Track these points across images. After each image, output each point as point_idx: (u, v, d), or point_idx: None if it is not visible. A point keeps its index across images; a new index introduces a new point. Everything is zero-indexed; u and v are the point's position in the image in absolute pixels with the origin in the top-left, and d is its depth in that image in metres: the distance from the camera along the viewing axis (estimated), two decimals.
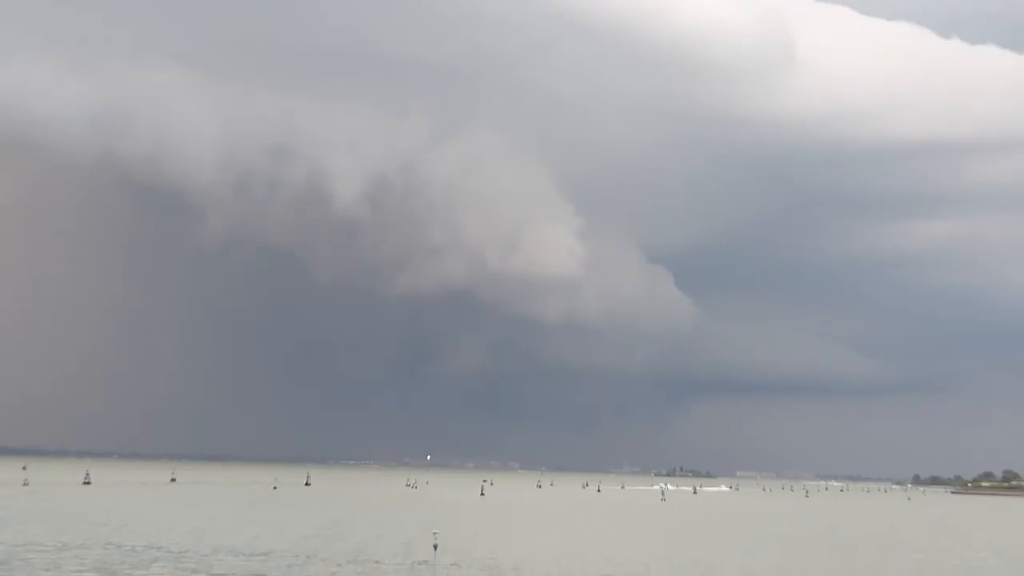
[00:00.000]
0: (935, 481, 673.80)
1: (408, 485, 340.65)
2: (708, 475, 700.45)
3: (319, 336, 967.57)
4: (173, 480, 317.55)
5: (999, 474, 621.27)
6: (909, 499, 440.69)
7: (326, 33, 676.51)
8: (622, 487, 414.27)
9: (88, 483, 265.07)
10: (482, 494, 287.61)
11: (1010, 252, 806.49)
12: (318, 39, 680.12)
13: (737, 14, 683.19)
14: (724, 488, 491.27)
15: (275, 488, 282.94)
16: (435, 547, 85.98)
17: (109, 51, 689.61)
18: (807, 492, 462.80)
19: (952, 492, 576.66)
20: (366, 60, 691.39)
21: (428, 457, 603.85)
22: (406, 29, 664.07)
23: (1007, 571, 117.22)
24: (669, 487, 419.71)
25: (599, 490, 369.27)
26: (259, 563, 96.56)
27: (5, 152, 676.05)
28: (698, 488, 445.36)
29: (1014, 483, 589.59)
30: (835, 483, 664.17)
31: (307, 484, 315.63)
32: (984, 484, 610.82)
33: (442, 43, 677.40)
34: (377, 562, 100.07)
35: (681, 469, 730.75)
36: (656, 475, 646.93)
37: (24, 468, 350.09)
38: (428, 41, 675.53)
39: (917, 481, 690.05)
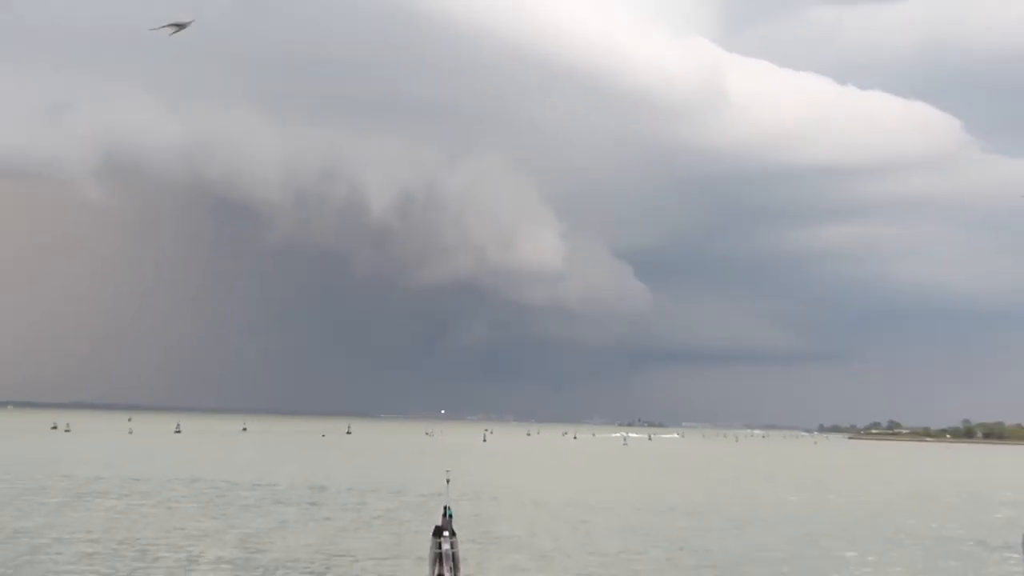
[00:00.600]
0: (835, 429, 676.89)
1: (427, 434, 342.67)
2: (660, 425, 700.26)
3: (358, 317, 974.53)
4: (244, 430, 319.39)
5: (885, 423, 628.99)
6: (815, 443, 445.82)
7: (363, 81, 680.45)
8: (593, 435, 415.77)
9: (179, 432, 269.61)
10: (484, 440, 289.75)
11: (891, 251, 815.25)
12: (357, 86, 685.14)
13: (682, 66, 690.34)
14: (674, 436, 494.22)
15: (323, 436, 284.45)
16: (448, 481, 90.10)
17: (197, 97, 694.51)
18: (736, 438, 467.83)
19: (848, 438, 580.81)
20: (393, 102, 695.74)
21: (442, 412, 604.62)
22: (424, 76, 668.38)
23: (882, 488, 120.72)
24: (630, 435, 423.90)
25: (575, 437, 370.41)
26: (310, 493, 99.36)
27: (119, 174, 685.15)
28: (652, 435, 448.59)
29: (895, 431, 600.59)
30: (758, 431, 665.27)
31: (348, 433, 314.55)
32: (873, 431, 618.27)
33: (452, 87, 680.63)
34: (399, 492, 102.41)
35: (639, 420, 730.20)
36: (619, 425, 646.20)
37: (129, 420, 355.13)
38: (441, 85, 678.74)
39: (821, 429, 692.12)
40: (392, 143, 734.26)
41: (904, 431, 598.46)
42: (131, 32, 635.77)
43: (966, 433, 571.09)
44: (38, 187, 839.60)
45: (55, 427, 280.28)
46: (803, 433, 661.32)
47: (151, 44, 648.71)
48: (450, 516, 47.13)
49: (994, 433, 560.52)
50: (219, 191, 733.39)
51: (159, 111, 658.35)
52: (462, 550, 47.12)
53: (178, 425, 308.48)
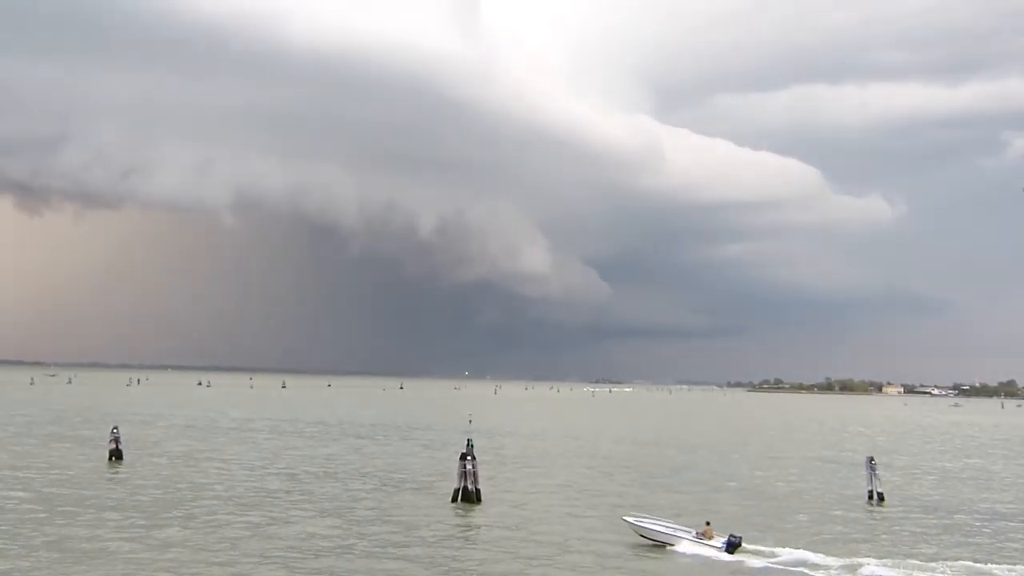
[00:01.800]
0: (738, 385, 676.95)
1: (455, 388, 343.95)
2: (618, 382, 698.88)
3: (410, 306, 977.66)
4: (329, 386, 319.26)
5: (772, 380, 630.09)
6: (724, 394, 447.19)
7: (413, 144, 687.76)
8: (571, 389, 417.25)
9: (284, 387, 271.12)
10: (495, 393, 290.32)
11: (772, 261, 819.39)
12: (409, 147, 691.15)
13: (630, 133, 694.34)
14: (627, 389, 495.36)
15: (383, 390, 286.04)
16: (470, 421, 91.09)
17: (298, 154, 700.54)
18: (670, 391, 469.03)
19: (748, 391, 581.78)
20: (434, 158, 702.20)
21: (466, 373, 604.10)
22: (455, 141, 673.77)
23: (772, 423, 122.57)
24: (595, 389, 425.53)
25: (558, 391, 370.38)
26: (375, 429, 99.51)
27: (246, 208, 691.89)
28: (611, 390, 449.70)
29: (779, 385, 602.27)
30: (684, 386, 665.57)
31: (400, 388, 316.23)
32: (764, 386, 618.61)
33: (473, 148, 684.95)
34: (436, 428, 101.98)
35: (602, 379, 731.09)
36: (588, 383, 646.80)
37: (250, 379, 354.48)
38: (466, 146, 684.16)
39: (728, 384, 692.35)
40: (433, 185, 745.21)
41: (786, 386, 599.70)
42: (251, 110, 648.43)
43: (827, 387, 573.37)
44: (192, 217, 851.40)
45: (200, 383, 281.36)
46: (716, 387, 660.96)
47: (266, 120, 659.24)
48: (471, 445, 47.77)
49: (847, 387, 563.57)
50: (314, 219, 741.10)
51: (272, 165, 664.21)
52: (480, 469, 47.86)
53: (284, 382, 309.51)
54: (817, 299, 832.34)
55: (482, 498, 45.76)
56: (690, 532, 35.89)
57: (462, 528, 39.63)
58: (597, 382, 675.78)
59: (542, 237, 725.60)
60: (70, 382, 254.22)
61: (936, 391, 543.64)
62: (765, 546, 35.79)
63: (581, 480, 57.70)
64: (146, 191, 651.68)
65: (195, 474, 54.16)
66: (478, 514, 42.67)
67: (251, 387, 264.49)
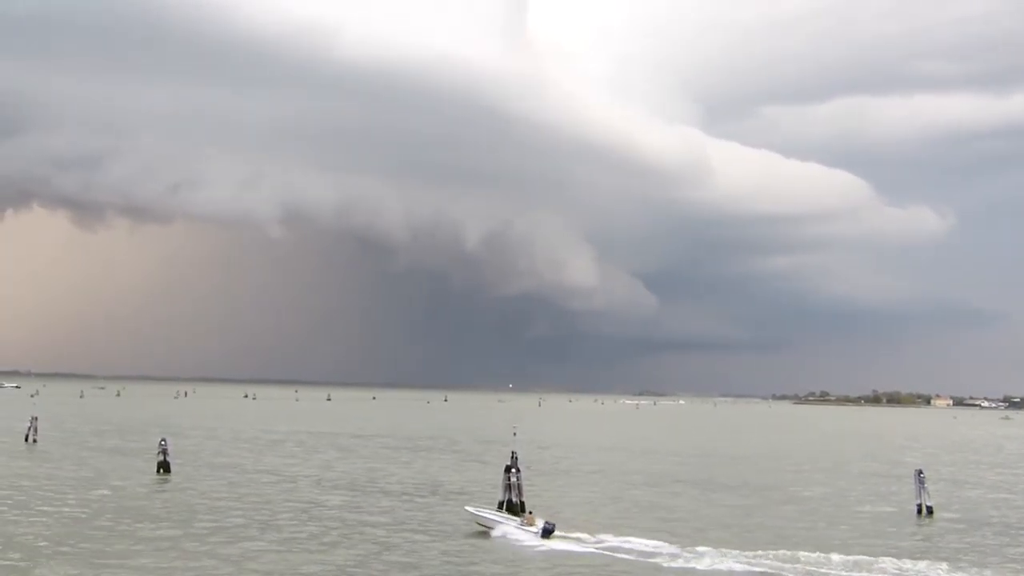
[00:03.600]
0: (783, 397, 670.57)
1: (499, 401, 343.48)
2: (662, 395, 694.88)
3: (455, 318, 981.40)
4: (374, 398, 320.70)
5: (818, 393, 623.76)
6: (770, 407, 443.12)
7: (460, 157, 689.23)
8: (615, 402, 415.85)
9: (329, 400, 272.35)
10: (539, 405, 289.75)
11: (819, 273, 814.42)
12: (456, 160, 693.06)
13: (677, 145, 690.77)
14: (680, 402, 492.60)
15: (428, 402, 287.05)
16: (514, 433, 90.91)
17: (345, 169, 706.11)
18: (714, 404, 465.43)
19: (793, 403, 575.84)
20: (482, 171, 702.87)
21: (510, 385, 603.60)
22: (503, 154, 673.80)
23: (818, 436, 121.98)
24: (640, 402, 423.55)
25: (602, 403, 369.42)
26: (419, 441, 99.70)
27: (294, 221, 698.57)
28: (656, 402, 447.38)
29: (825, 398, 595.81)
30: (729, 398, 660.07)
31: (445, 400, 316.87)
32: (809, 399, 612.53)
33: (521, 161, 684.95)
34: (481, 441, 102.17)
35: (646, 391, 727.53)
36: (633, 395, 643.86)
37: (296, 391, 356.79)
38: (514, 159, 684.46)
39: (773, 397, 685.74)
40: (480, 198, 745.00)
41: (832, 398, 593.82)
42: (299, 123, 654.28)
43: (875, 399, 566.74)
44: (239, 231, 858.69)
45: (246, 396, 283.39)
46: (760, 400, 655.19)
47: (314, 133, 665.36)
48: (516, 458, 47.75)
49: (894, 399, 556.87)
50: (360, 232, 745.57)
51: (320, 178, 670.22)
52: (524, 481, 47.75)
53: (329, 395, 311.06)
54: (865, 311, 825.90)
55: (526, 510, 45.57)
56: (516, 520, 40.06)
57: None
58: (641, 394, 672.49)
59: (589, 249, 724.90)
60: (119, 395, 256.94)
61: (986, 403, 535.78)
62: (579, 533, 39.55)
63: (628, 493, 57.43)
64: (195, 205, 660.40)
65: (241, 486, 54.50)
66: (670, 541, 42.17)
67: (296, 400, 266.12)
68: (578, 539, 38.65)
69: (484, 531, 40.34)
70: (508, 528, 39.69)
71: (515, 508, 45.43)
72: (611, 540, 38.69)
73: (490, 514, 41.39)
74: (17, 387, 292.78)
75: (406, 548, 36.84)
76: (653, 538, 39.57)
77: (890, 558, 37.06)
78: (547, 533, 38.21)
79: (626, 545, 38.17)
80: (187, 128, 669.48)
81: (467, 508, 43.35)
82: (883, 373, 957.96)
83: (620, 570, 34.33)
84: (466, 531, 40.93)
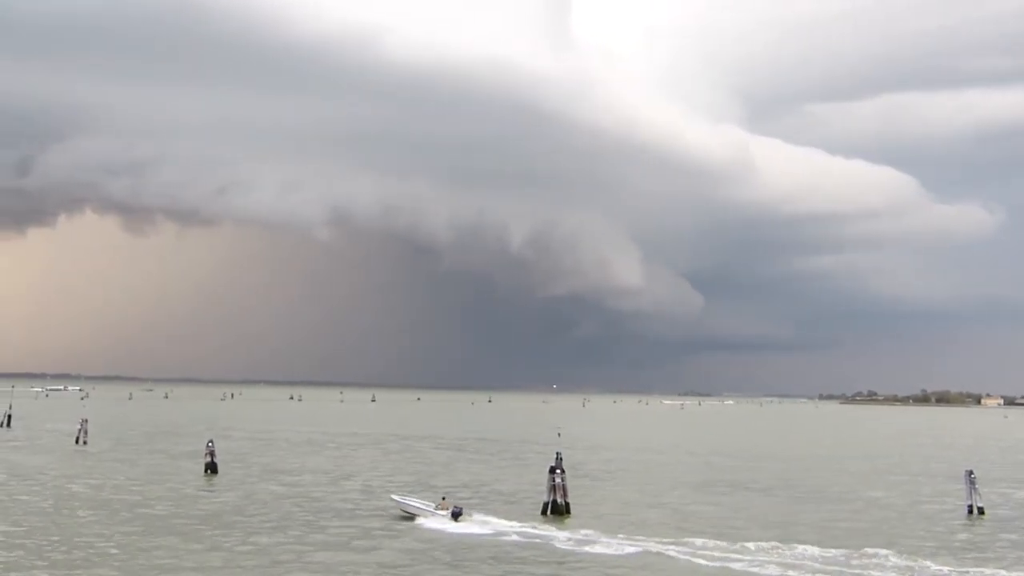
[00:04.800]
0: (830, 397, 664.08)
1: (543, 402, 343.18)
2: (707, 395, 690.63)
3: (500, 320, 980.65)
4: (418, 399, 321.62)
5: (865, 392, 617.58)
6: (817, 407, 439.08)
7: (505, 160, 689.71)
8: (660, 403, 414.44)
9: (374, 401, 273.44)
10: (583, 406, 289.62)
11: (865, 272, 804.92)
12: (501, 163, 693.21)
13: (721, 143, 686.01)
14: (716, 403, 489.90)
15: (472, 404, 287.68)
16: (559, 434, 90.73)
17: (391, 172, 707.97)
18: (760, 404, 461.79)
19: (840, 403, 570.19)
20: (525, 172, 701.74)
21: (554, 386, 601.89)
22: (548, 155, 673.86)
23: (869, 435, 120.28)
24: (685, 402, 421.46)
25: (647, 404, 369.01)
26: (465, 442, 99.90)
27: (340, 223, 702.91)
28: (701, 402, 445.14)
29: (873, 397, 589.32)
30: (775, 398, 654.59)
31: (489, 402, 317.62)
32: (857, 398, 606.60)
33: (566, 161, 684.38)
34: (526, 442, 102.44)
35: (692, 392, 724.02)
36: (678, 395, 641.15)
37: (341, 393, 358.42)
38: (559, 160, 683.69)
39: (820, 397, 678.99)
40: (525, 199, 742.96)
41: (879, 397, 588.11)
42: (344, 127, 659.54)
43: (923, 399, 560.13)
44: (285, 234, 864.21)
45: (292, 398, 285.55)
46: (807, 400, 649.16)
47: (359, 137, 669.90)
48: (561, 458, 47.61)
49: (944, 399, 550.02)
50: (405, 235, 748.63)
51: (366, 182, 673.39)
52: (568, 482, 47.59)
53: (373, 396, 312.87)
54: (913, 310, 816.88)
55: (571, 511, 45.55)
56: (431, 506, 43.98)
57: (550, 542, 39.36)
58: (686, 395, 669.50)
59: (635, 249, 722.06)
60: (167, 397, 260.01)
61: None
62: (485, 516, 43.78)
63: (674, 494, 57.06)
64: (242, 208, 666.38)
65: (287, 487, 54.84)
66: (567, 527, 42.37)
67: (341, 401, 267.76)
68: (483, 522, 42.66)
69: (407, 516, 44.05)
70: (425, 513, 43.63)
71: (560, 509, 45.31)
72: (505, 524, 42.56)
73: (411, 501, 45.45)
74: (80, 390, 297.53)
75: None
76: (704, 538, 39.45)
77: (939, 558, 36.64)
78: (456, 516, 42.46)
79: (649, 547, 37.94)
80: (233, 132, 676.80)
81: (392, 496, 47.62)
82: (932, 372, 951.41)
83: (507, 551, 37.20)
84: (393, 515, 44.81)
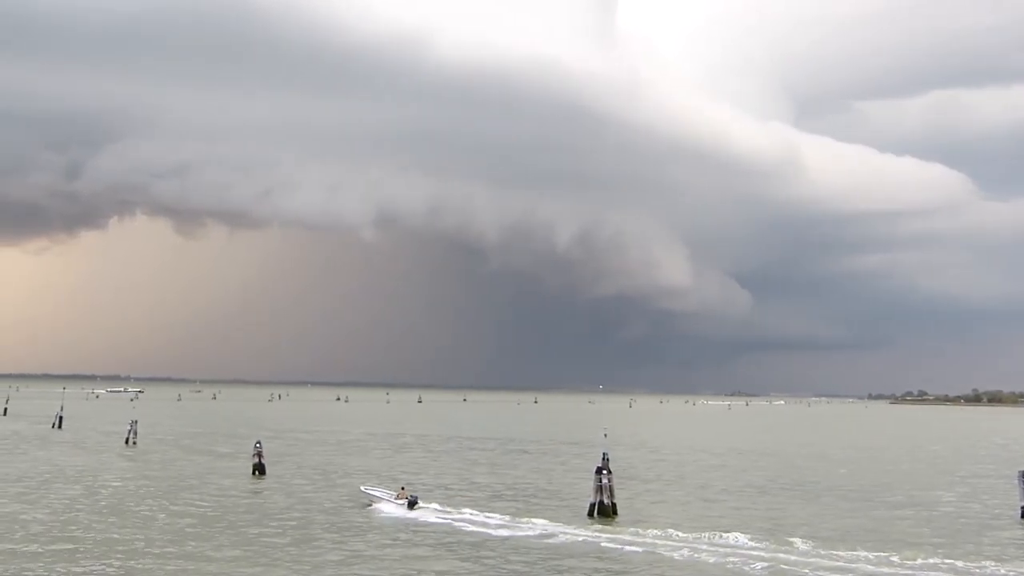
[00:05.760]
0: (879, 397, 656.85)
1: (589, 402, 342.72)
2: (754, 395, 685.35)
3: (546, 320, 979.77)
4: (464, 400, 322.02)
5: (915, 392, 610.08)
6: (866, 407, 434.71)
7: (551, 160, 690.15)
8: (705, 403, 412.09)
9: (420, 402, 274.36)
10: (629, 407, 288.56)
11: (916, 270, 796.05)
12: (547, 163, 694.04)
13: (769, 142, 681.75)
14: (764, 403, 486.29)
15: (518, 404, 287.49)
16: (605, 435, 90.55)
17: (438, 173, 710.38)
18: (808, 404, 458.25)
19: (890, 403, 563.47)
20: (571, 172, 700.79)
21: (600, 387, 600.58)
22: (594, 155, 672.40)
23: (923, 434, 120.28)
24: (731, 403, 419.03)
25: (694, 404, 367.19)
26: (511, 443, 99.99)
27: (386, 224, 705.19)
28: (748, 403, 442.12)
29: (923, 397, 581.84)
30: (824, 398, 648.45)
31: (535, 402, 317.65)
32: (907, 398, 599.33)
33: (606, 161, 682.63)
34: (572, 443, 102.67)
35: (739, 392, 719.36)
36: (725, 395, 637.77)
37: (387, 394, 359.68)
38: (600, 160, 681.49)
39: (868, 397, 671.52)
40: (572, 199, 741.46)
41: (930, 397, 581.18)
42: (393, 128, 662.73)
43: (975, 399, 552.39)
44: (332, 235, 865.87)
45: (338, 399, 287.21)
46: (856, 400, 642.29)
47: (407, 138, 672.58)
48: (607, 459, 47.35)
49: (996, 399, 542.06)
50: (451, 235, 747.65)
51: (410, 183, 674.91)
52: (615, 482, 47.36)
53: (419, 397, 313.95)
54: (964, 309, 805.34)
55: (618, 512, 45.29)
56: (393, 495, 48.24)
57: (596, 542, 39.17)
58: (733, 395, 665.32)
59: (683, 249, 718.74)
60: (215, 398, 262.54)
61: None
62: (439, 505, 47.56)
63: (720, 495, 56.67)
64: (290, 210, 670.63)
65: (332, 488, 55.07)
66: (614, 528, 42.13)
67: (387, 402, 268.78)
68: (434, 510, 46.38)
69: (371, 504, 48.23)
70: (386, 501, 47.90)
71: (607, 510, 45.07)
72: (459, 513, 45.85)
73: (376, 491, 49.93)
74: (141, 391, 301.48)
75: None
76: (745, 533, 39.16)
77: (994, 560, 36.00)
78: (411, 505, 46.31)
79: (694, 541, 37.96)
80: (282, 134, 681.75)
81: (361, 487, 51.98)
82: (983, 372, 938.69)
83: (458, 538, 39.71)
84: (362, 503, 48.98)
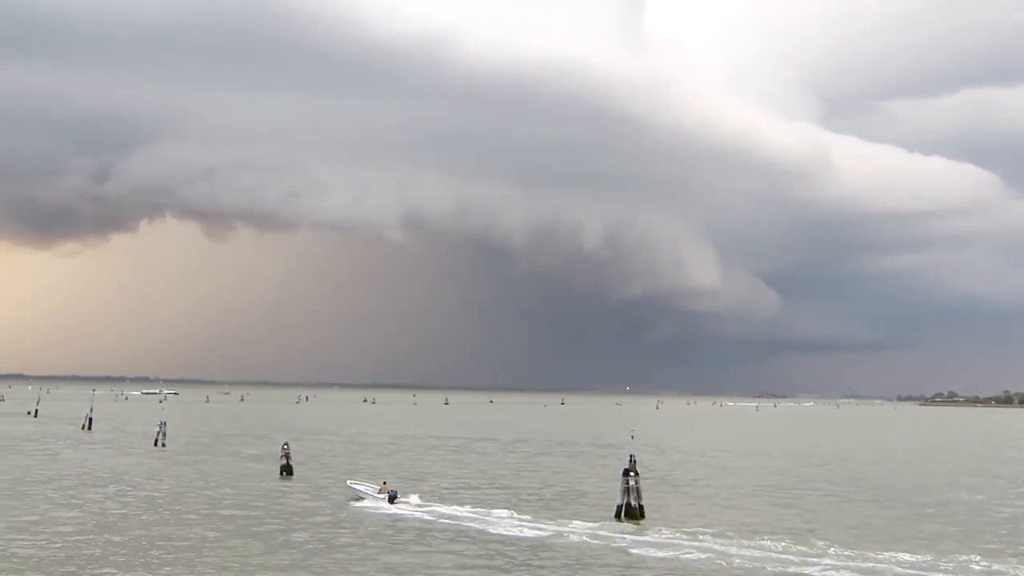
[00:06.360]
0: (908, 399, 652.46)
1: (616, 404, 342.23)
2: (782, 397, 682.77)
3: (574, 321, 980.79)
4: (491, 402, 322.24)
5: (945, 394, 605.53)
6: (895, 408, 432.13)
7: (578, 162, 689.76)
8: (733, 404, 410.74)
9: (447, 404, 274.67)
10: (657, 408, 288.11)
11: (945, 271, 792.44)
12: (574, 165, 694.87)
13: (797, 142, 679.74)
14: (792, 404, 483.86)
15: (544, 406, 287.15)
16: (632, 436, 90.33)
17: (465, 174, 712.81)
18: (837, 405, 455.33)
19: (919, 405, 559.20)
20: (599, 173, 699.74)
21: (627, 388, 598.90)
22: (618, 154, 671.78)
23: (956, 436, 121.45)
24: (759, 404, 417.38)
25: (721, 406, 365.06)
26: (540, 445, 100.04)
27: (413, 225, 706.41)
28: (776, 404, 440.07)
29: (954, 399, 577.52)
30: (852, 400, 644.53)
31: (562, 404, 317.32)
32: (937, 400, 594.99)
33: (641, 161, 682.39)
34: (598, 444, 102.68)
35: (766, 393, 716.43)
36: (753, 397, 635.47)
37: (414, 396, 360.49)
38: (628, 161, 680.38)
39: (897, 398, 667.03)
40: (599, 201, 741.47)
41: (960, 399, 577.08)
42: (420, 129, 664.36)
43: (1006, 400, 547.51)
44: (359, 237, 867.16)
45: (365, 400, 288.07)
46: (885, 402, 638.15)
47: (434, 139, 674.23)
48: (634, 461, 47.15)
49: None
50: (479, 236, 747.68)
51: (438, 184, 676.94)
52: (642, 484, 47.18)
53: (446, 399, 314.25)
54: (995, 309, 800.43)
55: (645, 514, 45.08)
56: (375, 489, 50.15)
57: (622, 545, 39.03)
58: (760, 396, 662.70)
59: (711, 250, 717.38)
60: (242, 400, 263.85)
61: None
62: (420, 500, 48.98)
63: (749, 498, 56.42)
64: (318, 212, 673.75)
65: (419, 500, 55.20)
66: (642, 531, 41.98)
67: (414, 404, 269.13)
68: (416, 503, 48.30)
69: (357, 497, 50.25)
70: (369, 496, 49.76)
71: (634, 512, 44.88)
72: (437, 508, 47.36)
73: (360, 486, 51.73)
74: (176, 393, 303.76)
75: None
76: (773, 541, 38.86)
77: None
78: (392, 499, 48.32)
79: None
80: (309, 135, 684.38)
81: (347, 482, 53.67)
82: (1015, 372, 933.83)
83: (439, 529, 41.90)
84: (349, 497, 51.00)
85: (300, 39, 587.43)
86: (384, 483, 51.51)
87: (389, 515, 45.14)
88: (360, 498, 50.12)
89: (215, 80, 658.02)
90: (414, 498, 49.30)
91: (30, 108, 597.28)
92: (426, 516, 45.02)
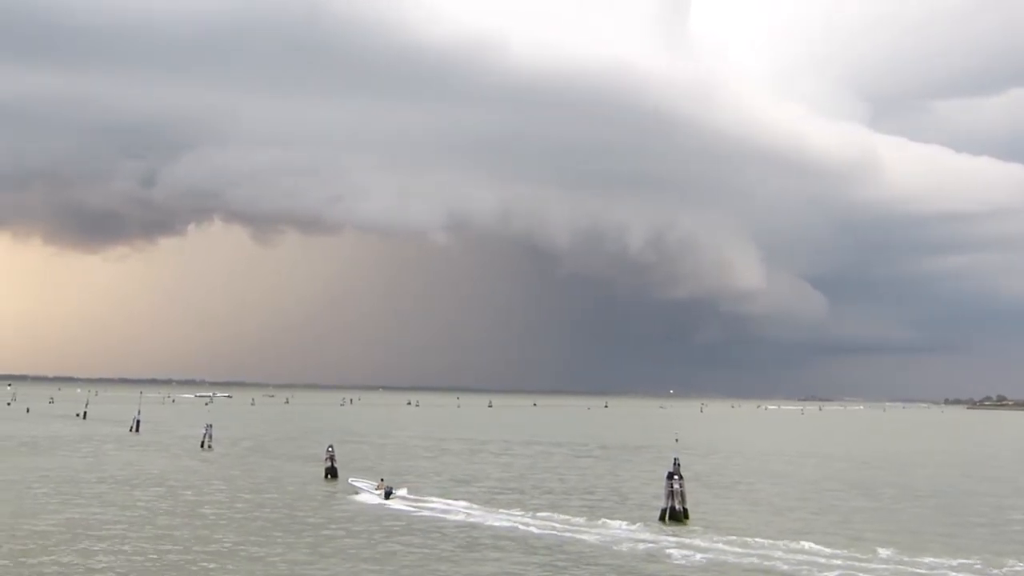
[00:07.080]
0: (956, 402, 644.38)
1: (660, 407, 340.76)
2: (827, 400, 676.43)
3: (617, 323, 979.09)
4: (535, 405, 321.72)
5: (994, 397, 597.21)
6: (943, 412, 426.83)
7: (622, 164, 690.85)
8: (778, 407, 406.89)
9: (491, 406, 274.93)
10: (701, 411, 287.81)
11: (994, 272, 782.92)
12: (619, 167, 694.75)
13: (845, 144, 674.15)
14: (838, 407, 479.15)
15: (588, 409, 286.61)
16: (676, 439, 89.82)
17: (506, 177, 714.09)
18: (884, 409, 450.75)
19: (967, 408, 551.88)
20: (644, 176, 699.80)
21: (671, 391, 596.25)
22: (666, 158, 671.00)
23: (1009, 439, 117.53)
24: (804, 407, 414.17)
25: (766, 409, 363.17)
26: (583, 448, 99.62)
27: (457, 227, 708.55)
28: (821, 407, 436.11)
29: (1003, 402, 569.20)
30: (899, 404, 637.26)
31: (606, 407, 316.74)
32: (985, 403, 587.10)
33: (680, 164, 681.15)
34: (643, 447, 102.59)
35: (811, 396, 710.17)
36: (798, 400, 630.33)
37: (458, 398, 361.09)
38: (673, 163, 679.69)
39: (945, 402, 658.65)
40: (644, 203, 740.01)
41: (1009, 402, 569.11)
42: (466, 133, 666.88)
43: None
44: (403, 239, 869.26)
45: (409, 403, 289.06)
46: (932, 405, 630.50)
47: (480, 143, 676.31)
48: (678, 464, 47.02)
49: None
50: (522, 239, 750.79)
51: (482, 187, 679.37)
52: (687, 488, 46.97)
53: (490, 402, 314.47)
54: None
55: (690, 517, 44.91)
56: (373, 484, 53.23)
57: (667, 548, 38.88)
58: (806, 399, 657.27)
59: (756, 252, 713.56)
60: (287, 402, 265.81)
61: None
62: (412, 495, 51.39)
63: (793, 501, 56.00)
64: (363, 215, 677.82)
65: (406, 493, 55.35)
66: (686, 533, 41.78)
67: (458, 407, 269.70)
68: (413, 499, 50.38)
69: (356, 493, 53.18)
70: (368, 492, 52.49)
71: (678, 515, 44.72)
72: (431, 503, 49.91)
73: (360, 483, 55.01)
74: (229, 396, 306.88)
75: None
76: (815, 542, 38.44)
77: None
78: (388, 494, 50.87)
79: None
80: (353, 139, 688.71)
81: (349, 480, 56.85)
82: None
83: (423, 526, 42.83)
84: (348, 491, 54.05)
85: (344, 44, 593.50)
86: (381, 480, 54.23)
87: (430, 518, 44.93)
88: (357, 492, 53.20)
89: (260, 85, 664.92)
90: (403, 491, 52.13)
91: (78, 114, 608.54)
92: (474, 520, 44.55)
